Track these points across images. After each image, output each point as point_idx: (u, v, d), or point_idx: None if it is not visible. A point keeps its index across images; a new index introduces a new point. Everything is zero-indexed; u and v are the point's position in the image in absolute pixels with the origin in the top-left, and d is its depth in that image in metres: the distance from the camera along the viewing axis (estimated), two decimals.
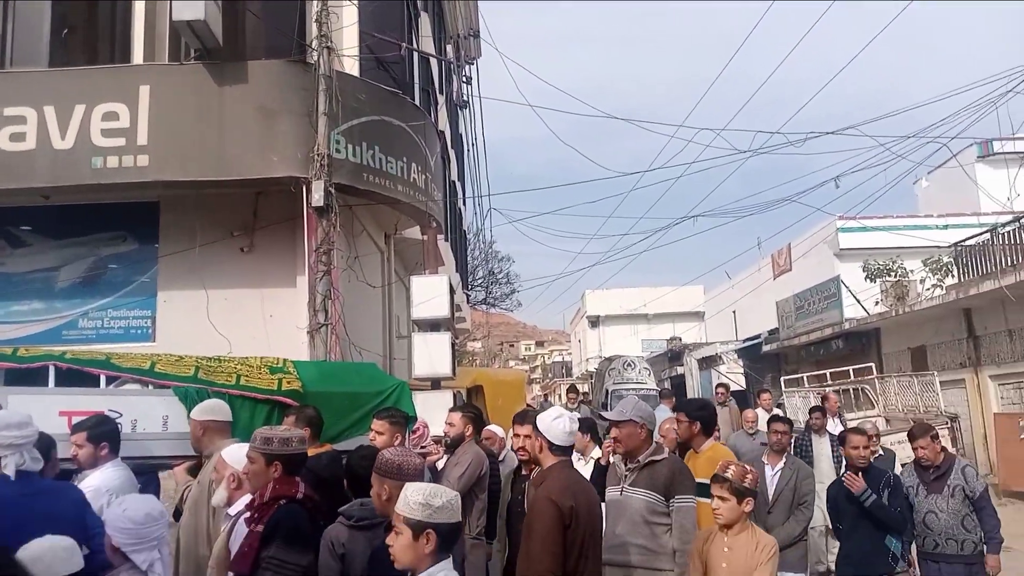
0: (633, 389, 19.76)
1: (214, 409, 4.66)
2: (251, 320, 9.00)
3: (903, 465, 7.27)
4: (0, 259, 9.46)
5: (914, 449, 5.48)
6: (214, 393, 5.09)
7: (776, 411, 10.67)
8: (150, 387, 5.27)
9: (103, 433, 4.18)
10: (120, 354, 5.76)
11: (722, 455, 5.14)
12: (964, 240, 15.48)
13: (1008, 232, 13.84)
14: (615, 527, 4.24)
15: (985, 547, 5.27)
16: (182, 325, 9.00)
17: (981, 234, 14.92)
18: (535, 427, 3.78)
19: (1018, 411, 13.08)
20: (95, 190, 8.66)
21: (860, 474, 5.28)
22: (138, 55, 9.31)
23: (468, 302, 26.06)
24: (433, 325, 9.21)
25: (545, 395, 37.73)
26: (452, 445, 5.69)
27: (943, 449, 5.54)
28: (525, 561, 3.50)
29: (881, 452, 6.89)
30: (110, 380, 5.29)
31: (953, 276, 16.75)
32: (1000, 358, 14.31)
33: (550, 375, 65.33)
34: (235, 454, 3.76)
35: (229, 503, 3.71)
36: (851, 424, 11.58)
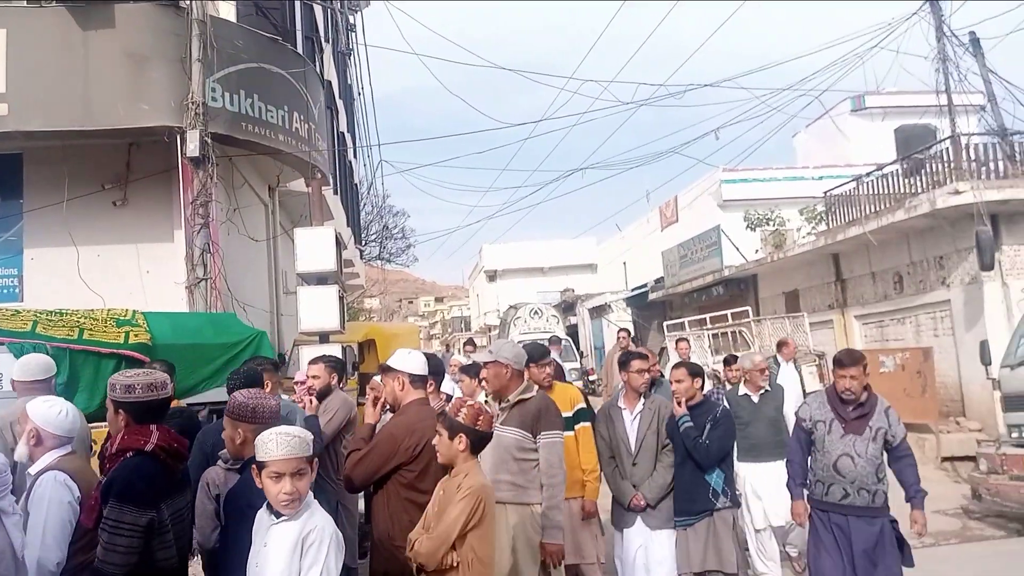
0: (540, 338, 18.32)
1: (24, 366, 4.37)
2: (126, 277, 8.73)
3: (808, 395, 7.11)
4: None
5: (838, 378, 4.68)
6: (54, 349, 4.84)
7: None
8: None
9: None
10: None
11: (571, 392, 5.38)
12: (833, 189, 16.36)
13: (872, 181, 14.71)
14: (487, 464, 4.41)
15: (910, 502, 4.64)
16: (52, 283, 8.64)
17: (847, 183, 15.80)
18: (391, 368, 3.92)
19: (879, 347, 14.07)
20: None
21: (683, 404, 5.09)
22: None
23: (362, 258, 25.79)
24: (320, 279, 9.12)
25: (447, 346, 37.78)
26: (320, 396, 5.67)
27: (868, 385, 4.74)
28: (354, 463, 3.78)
29: (767, 389, 6.65)
30: None
31: (825, 224, 17.69)
32: (864, 299, 15.30)
33: (450, 330, 65.56)
34: (38, 408, 3.46)
35: (32, 460, 3.42)
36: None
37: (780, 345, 9.58)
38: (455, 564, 3.19)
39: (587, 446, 5.12)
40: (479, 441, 3.37)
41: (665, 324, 17.10)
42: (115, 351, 5.08)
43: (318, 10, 14.18)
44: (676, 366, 5.42)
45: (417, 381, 3.94)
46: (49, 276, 8.73)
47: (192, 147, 7.92)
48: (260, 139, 8.95)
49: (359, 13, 17.87)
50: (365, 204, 27.18)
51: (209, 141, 8.12)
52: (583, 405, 5.26)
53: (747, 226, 21.18)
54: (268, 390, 4.74)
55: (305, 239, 9.00)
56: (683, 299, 23.49)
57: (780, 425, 6.58)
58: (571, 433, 5.02)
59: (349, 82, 20.52)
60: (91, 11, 8.12)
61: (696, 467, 5.00)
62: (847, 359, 4.67)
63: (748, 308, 16.31)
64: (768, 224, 20.98)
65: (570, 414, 5.08)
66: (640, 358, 5.38)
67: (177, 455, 3.38)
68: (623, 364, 5.38)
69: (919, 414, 11.57)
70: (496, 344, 4.69)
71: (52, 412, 3.44)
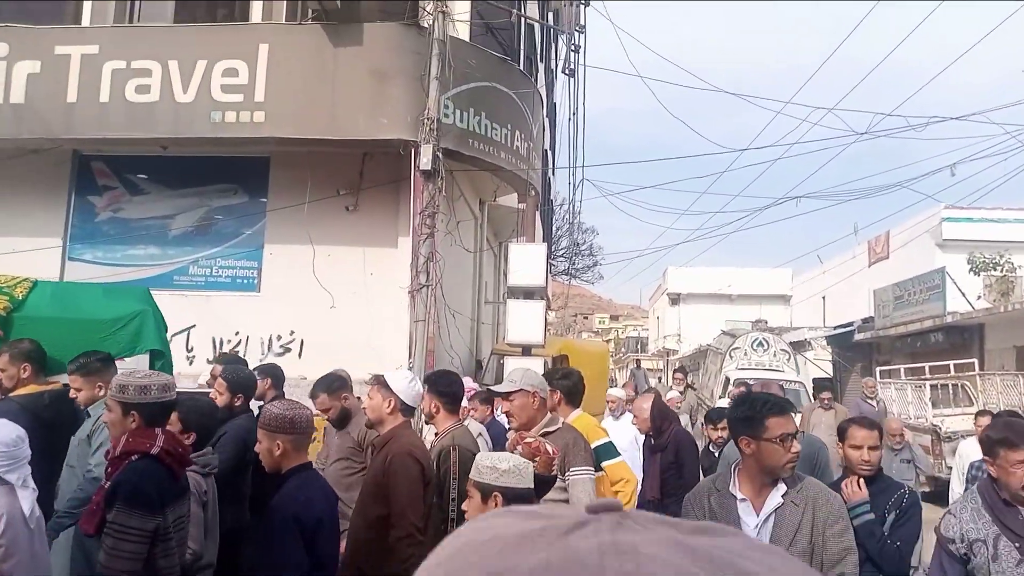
0: (766, 379, 13.01)
1: None
2: (352, 277, 9.24)
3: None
4: (119, 204, 9.96)
5: (1011, 468, 2.87)
6: None
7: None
8: None
9: None
10: None
11: (590, 425, 4.54)
12: None
13: None
14: None
15: None
16: (286, 278, 9.32)
17: None
18: (386, 386, 3.78)
19: None
20: (211, 143, 9.00)
21: (863, 484, 3.49)
22: (256, 16, 9.57)
23: (551, 273, 26.08)
24: (527, 293, 9.28)
25: (637, 361, 36.85)
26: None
27: None
28: (394, 518, 3.46)
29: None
30: None
31: None
32: None
33: (623, 350, 64.89)
34: None
35: None
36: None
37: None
38: None
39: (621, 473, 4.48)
40: (542, 486, 2.97)
41: (878, 370, 15.95)
42: None
43: (538, 29, 14.48)
44: (858, 423, 3.71)
45: (407, 411, 3.85)
46: (284, 271, 9.43)
47: (424, 160, 8.25)
48: (483, 155, 9.21)
49: (584, 35, 18.08)
50: (558, 220, 27.45)
51: (440, 156, 8.44)
52: (607, 439, 4.54)
53: (970, 269, 19.38)
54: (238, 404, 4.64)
55: (519, 254, 9.20)
56: (894, 343, 21.82)
57: None
58: (600, 473, 4.31)
59: (554, 101, 20.82)
60: (342, 29, 8.70)
61: (875, 569, 3.39)
62: (1017, 436, 2.87)
63: (974, 360, 14.89)
64: (995, 269, 19.11)
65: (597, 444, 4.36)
66: (778, 413, 2.87)
67: (181, 459, 3.30)
68: (743, 422, 2.90)
69: None
70: (514, 372, 4.14)
71: None
